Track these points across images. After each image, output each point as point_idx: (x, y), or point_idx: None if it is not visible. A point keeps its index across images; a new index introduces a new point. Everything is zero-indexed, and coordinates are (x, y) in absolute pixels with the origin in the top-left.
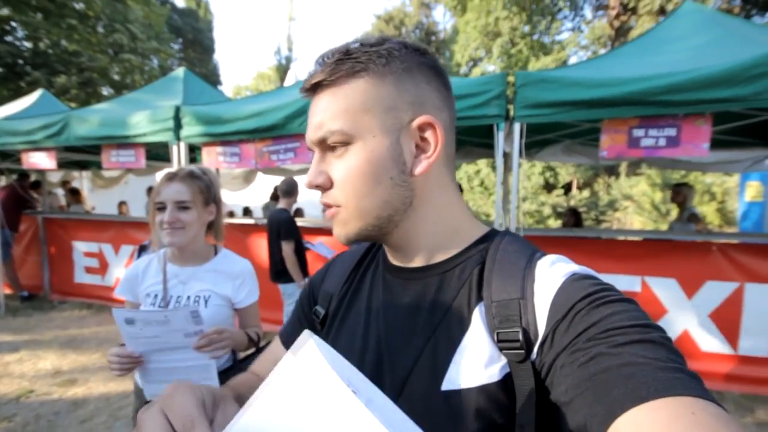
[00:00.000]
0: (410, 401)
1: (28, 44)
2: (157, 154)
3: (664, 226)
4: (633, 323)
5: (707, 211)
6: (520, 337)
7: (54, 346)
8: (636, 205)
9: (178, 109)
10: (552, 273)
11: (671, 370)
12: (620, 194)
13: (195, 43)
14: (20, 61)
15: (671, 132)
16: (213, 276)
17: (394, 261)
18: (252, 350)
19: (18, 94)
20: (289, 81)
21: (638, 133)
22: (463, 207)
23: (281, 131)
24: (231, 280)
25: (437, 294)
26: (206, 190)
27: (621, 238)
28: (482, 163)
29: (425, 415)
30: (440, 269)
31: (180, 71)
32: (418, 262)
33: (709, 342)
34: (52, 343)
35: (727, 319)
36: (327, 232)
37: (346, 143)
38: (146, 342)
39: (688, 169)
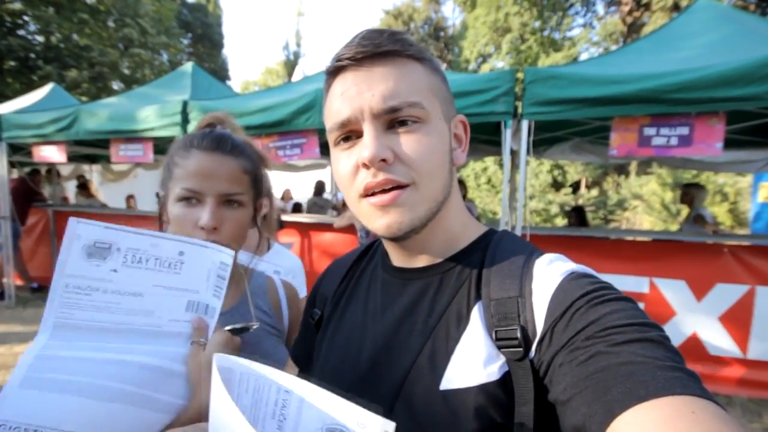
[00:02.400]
0: (409, 401)
1: (40, 38)
2: (165, 148)
3: (674, 227)
4: (631, 322)
5: (719, 212)
6: (519, 335)
7: None
8: (646, 205)
9: (185, 104)
10: (550, 271)
11: (670, 369)
12: (630, 193)
13: (204, 38)
14: (32, 55)
15: (683, 131)
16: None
17: (397, 262)
18: None
19: (30, 87)
20: (296, 76)
21: (649, 131)
22: (464, 205)
23: (288, 127)
24: (282, 275)
25: (436, 294)
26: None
27: (629, 238)
28: (489, 161)
29: (424, 415)
30: (441, 269)
31: (188, 66)
32: (421, 262)
33: (718, 345)
34: None
35: (737, 323)
36: (327, 228)
37: (420, 120)
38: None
39: (700, 168)
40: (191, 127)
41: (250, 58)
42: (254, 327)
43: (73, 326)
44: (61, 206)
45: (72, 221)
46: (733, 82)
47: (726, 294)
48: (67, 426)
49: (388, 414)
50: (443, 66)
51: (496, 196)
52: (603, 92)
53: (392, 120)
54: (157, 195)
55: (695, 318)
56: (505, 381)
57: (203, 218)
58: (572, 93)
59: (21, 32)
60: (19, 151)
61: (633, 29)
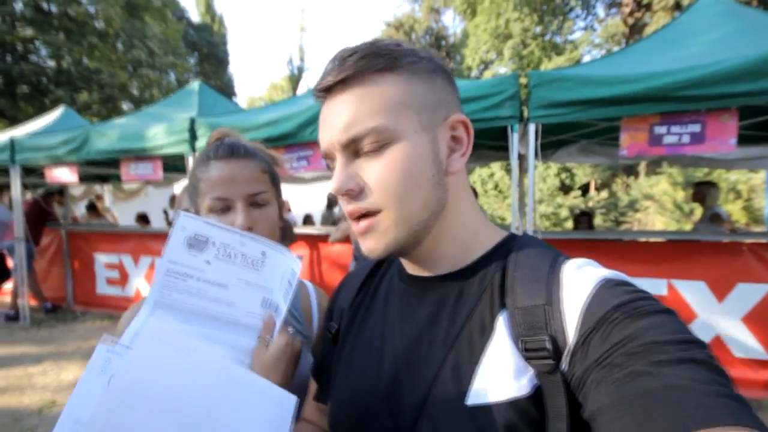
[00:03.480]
0: (433, 417)
1: (51, 63)
2: (175, 165)
3: (687, 226)
4: (674, 338)
5: (733, 209)
6: (548, 345)
7: (76, 357)
8: (658, 205)
9: (193, 121)
10: (581, 278)
11: (718, 395)
12: (640, 194)
13: (210, 57)
14: (44, 80)
15: (695, 128)
16: None
17: (412, 271)
18: None
19: (42, 110)
20: (301, 90)
21: (660, 130)
22: (480, 211)
23: (294, 140)
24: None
25: (457, 303)
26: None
27: (643, 239)
28: (495, 166)
29: None
30: (460, 277)
31: (195, 84)
32: (438, 270)
33: (742, 347)
34: (74, 354)
35: (761, 323)
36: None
37: (384, 142)
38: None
39: (712, 166)
40: (199, 143)
41: (255, 75)
42: (289, 330)
43: (170, 305)
44: (74, 225)
45: (179, 214)
46: (744, 77)
47: (748, 294)
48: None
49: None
50: None
51: (504, 202)
52: (610, 92)
53: (356, 149)
54: (165, 212)
55: (717, 320)
56: (536, 395)
57: (237, 220)
58: (579, 94)
59: (33, 57)
60: (32, 173)
61: (635, 30)
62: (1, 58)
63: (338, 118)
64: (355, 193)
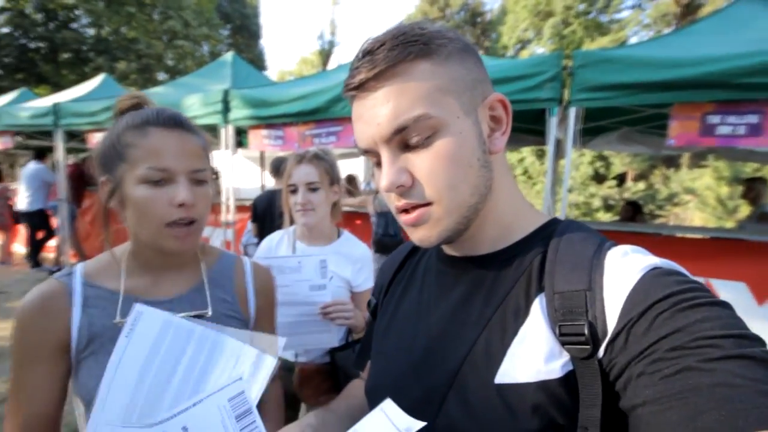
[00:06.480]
0: (462, 393)
1: (91, 31)
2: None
3: (729, 224)
4: (728, 333)
5: None
6: (586, 331)
7: None
8: (698, 200)
9: (226, 93)
10: (627, 264)
11: None
12: (680, 187)
13: (242, 29)
14: (84, 48)
15: (753, 119)
16: (335, 258)
17: (451, 251)
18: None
19: (83, 78)
20: (332, 65)
21: (713, 119)
22: (521, 192)
23: (324, 114)
24: (351, 263)
25: (493, 284)
26: (331, 170)
27: (679, 235)
28: (526, 151)
29: (478, 408)
30: (498, 258)
31: (228, 56)
32: (477, 252)
33: None
34: None
35: None
36: (359, 216)
37: (430, 132)
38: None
39: (765, 162)
40: (232, 115)
41: (285, 49)
42: (208, 314)
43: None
44: None
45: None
46: None
47: None
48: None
49: (440, 404)
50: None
51: (533, 188)
52: (662, 76)
53: (403, 139)
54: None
55: (756, 323)
56: (568, 380)
57: (180, 195)
58: (627, 77)
59: (74, 26)
60: (74, 138)
61: (689, 10)
62: (45, 24)
63: (379, 113)
64: (407, 187)
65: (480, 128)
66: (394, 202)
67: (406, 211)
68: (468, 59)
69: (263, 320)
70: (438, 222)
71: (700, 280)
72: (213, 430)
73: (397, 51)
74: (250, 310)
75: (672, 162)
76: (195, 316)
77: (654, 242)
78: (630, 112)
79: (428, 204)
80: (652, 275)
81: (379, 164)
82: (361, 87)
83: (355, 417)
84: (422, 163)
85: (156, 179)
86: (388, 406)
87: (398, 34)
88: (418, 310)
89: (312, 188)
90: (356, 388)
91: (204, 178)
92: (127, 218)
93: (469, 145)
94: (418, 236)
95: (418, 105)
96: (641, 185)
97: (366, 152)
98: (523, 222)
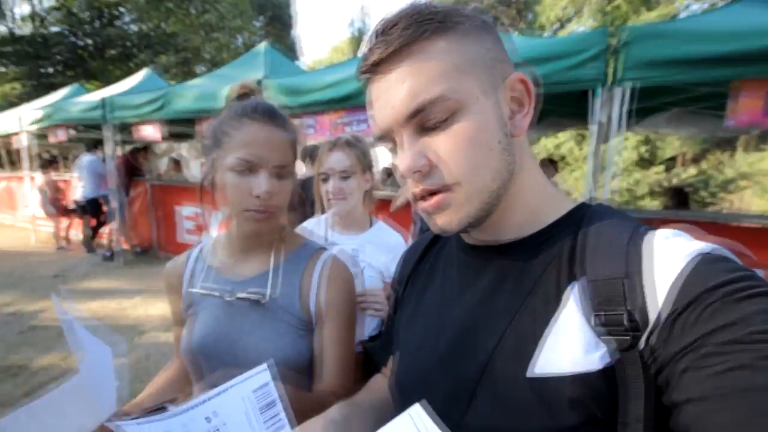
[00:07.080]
0: (492, 387)
1: (134, 28)
2: None
3: None
4: None
5: None
6: (626, 321)
7: (163, 296)
8: (759, 186)
9: (260, 83)
10: (670, 250)
11: None
12: (736, 173)
13: (275, 20)
14: (128, 44)
15: None
16: (368, 247)
17: (472, 240)
18: None
19: (128, 74)
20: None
21: None
22: (546, 177)
23: (356, 101)
24: (385, 252)
25: (521, 272)
26: (363, 157)
27: (735, 224)
28: (563, 136)
29: (510, 403)
30: (525, 245)
31: (261, 46)
32: (501, 239)
33: None
34: (160, 293)
35: None
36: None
37: (450, 112)
38: None
39: None
40: None
41: (318, 37)
42: (263, 300)
43: None
44: (157, 180)
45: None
46: None
47: None
48: None
49: (469, 400)
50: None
51: (571, 175)
52: (721, 50)
53: (421, 122)
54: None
55: None
56: (607, 372)
57: (261, 186)
58: (684, 52)
59: (117, 23)
60: (122, 130)
61: None
62: (91, 22)
63: (396, 93)
64: (426, 170)
65: (501, 110)
66: (411, 189)
67: (423, 198)
68: (486, 37)
69: (330, 319)
70: (459, 208)
71: (760, 272)
72: (236, 420)
73: (412, 29)
74: (310, 305)
75: (727, 145)
76: (253, 301)
77: (709, 231)
78: (682, 90)
79: (447, 189)
80: (701, 261)
81: (394, 150)
82: (375, 68)
83: (379, 411)
84: (440, 146)
85: (242, 168)
86: (416, 411)
87: (413, 12)
88: (441, 302)
89: (344, 176)
90: (380, 381)
91: (286, 173)
92: (220, 200)
93: (490, 127)
94: (439, 223)
95: (435, 85)
96: (692, 170)
97: (381, 138)
98: (549, 207)
